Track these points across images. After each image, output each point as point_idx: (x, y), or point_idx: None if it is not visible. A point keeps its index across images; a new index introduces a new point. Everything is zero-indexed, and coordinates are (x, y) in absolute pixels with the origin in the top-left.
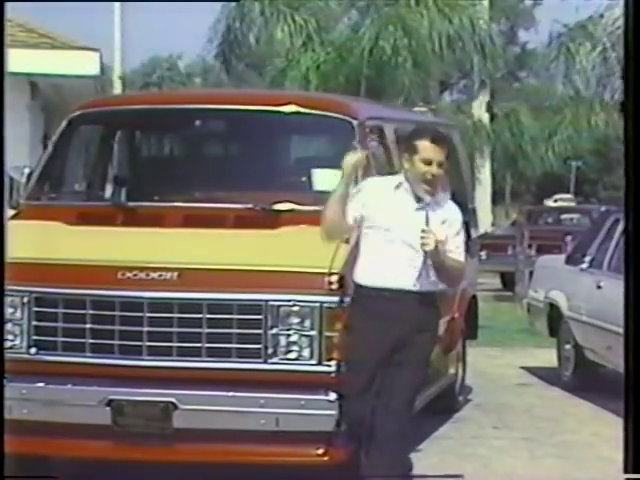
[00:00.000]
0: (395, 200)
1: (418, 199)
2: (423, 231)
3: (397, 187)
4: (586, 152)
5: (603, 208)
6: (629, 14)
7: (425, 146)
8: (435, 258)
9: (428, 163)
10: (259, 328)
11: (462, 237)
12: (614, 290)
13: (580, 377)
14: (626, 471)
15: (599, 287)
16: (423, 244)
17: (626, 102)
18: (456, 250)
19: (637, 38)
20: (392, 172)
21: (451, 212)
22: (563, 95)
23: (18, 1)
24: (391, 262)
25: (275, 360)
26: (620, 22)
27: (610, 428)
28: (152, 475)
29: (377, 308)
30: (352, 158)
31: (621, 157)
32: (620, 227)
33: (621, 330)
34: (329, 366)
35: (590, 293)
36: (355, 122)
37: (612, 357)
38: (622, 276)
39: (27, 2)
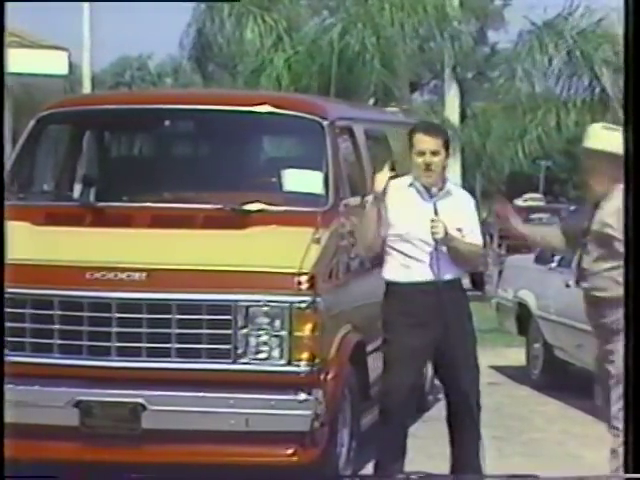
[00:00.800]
0: (409, 199)
1: (427, 193)
2: (432, 221)
3: (410, 186)
4: (556, 152)
5: (572, 207)
6: (629, 14)
7: (418, 138)
8: (449, 245)
9: (422, 154)
10: (229, 328)
11: (475, 219)
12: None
13: (549, 376)
14: (626, 471)
15: (568, 286)
16: (433, 233)
17: (626, 102)
18: (471, 233)
19: (637, 38)
20: (362, 172)
21: (460, 197)
22: (533, 95)
23: (18, 1)
24: (414, 258)
25: (245, 360)
26: (588, 20)
27: (579, 426)
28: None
29: (409, 301)
30: (383, 176)
31: None
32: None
33: (590, 328)
34: (299, 366)
35: (559, 292)
36: (325, 122)
37: (581, 355)
38: None
39: (22, 2)
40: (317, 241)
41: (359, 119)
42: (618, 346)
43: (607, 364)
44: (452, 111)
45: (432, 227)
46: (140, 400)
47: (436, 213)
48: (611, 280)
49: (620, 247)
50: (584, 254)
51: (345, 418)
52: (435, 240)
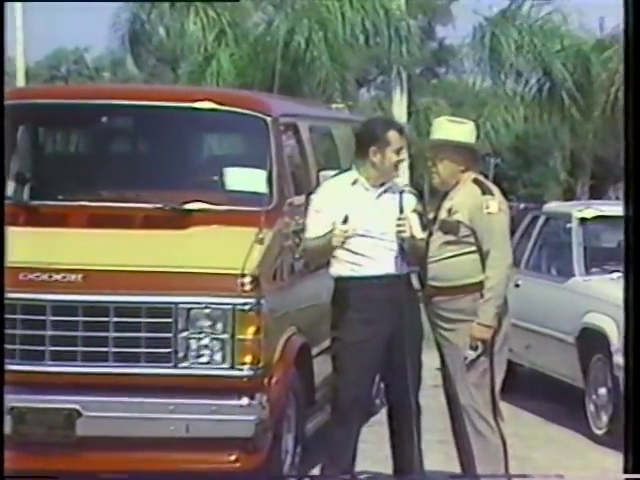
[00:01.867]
0: (355, 197)
1: (375, 189)
2: (398, 219)
3: (354, 184)
4: (504, 149)
5: (522, 205)
6: (629, 14)
7: (395, 137)
8: (412, 242)
9: (398, 152)
10: (169, 332)
11: (418, 214)
12: (532, 288)
13: None
14: (626, 471)
15: (517, 285)
16: (399, 232)
17: (626, 102)
18: (418, 229)
19: (637, 37)
20: (307, 170)
21: (407, 193)
22: (481, 91)
23: (18, 1)
24: (364, 255)
25: (186, 365)
26: (537, 14)
27: (527, 428)
28: None
29: (360, 297)
30: (340, 235)
31: (540, 153)
32: (539, 224)
33: (540, 329)
34: (242, 370)
35: (508, 292)
36: (269, 119)
37: (530, 356)
38: (540, 274)
39: (22, 2)
40: (260, 241)
41: (304, 116)
42: (457, 338)
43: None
44: (399, 108)
45: (398, 225)
46: (75, 406)
47: (402, 210)
48: (453, 268)
49: (467, 234)
50: (427, 244)
51: (290, 423)
52: (401, 239)
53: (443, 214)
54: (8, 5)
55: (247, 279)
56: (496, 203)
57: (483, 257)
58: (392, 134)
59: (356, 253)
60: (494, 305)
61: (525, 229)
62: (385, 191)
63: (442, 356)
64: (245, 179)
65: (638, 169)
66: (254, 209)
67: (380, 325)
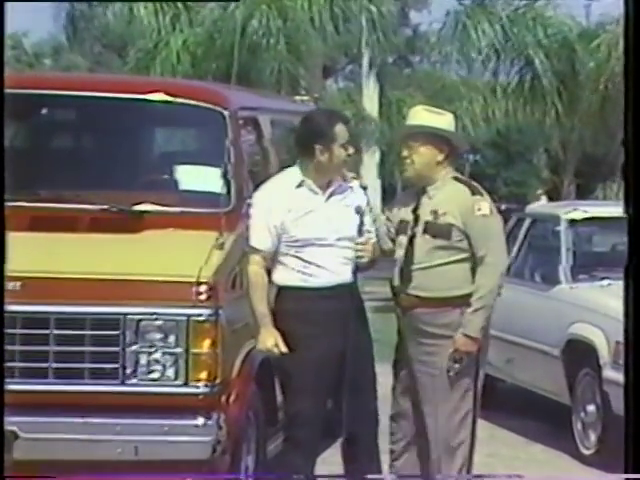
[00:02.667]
0: (302, 201)
1: (323, 191)
2: (357, 244)
3: (299, 186)
4: (483, 145)
5: (503, 206)
6: (629, 14)
7: (342, 130)
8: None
9: (346, 147)
10: (116, 345)
11: (370, 216)
12: (514, 297)
13: None
14: (626, 471)
15: (498, 293)
16: (359, 257)
17: (626, 102)
18: (386, 240)
19: (637, 37)
20: (268, 169)
21: (360, 192)
22: (458, 82)
23: (18, 1)
24: (313, 263)
25: (134, 381)
26: (519, 1)
27: (508, 448)
28: None
29: (313, 309)
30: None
31: (522, 150)
32: (523, 228)
33: (522, 341)
34: (197, 387)
35: None
36: (226, 112)
37: (512, 371)
38: (523, 281)
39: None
40: (219, 246)
41: (265, 109)
42: (439, 356)
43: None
44: (370, 100)
45: (357, 250)
46: (12, 428)
47: (360, 232)
48: (442, 277)
49: (460, 239)
50: (409, 249)
51: (249, 445)
52: (361, 258)
53: (427, 216)
54: None
55: (203, 287)
56: (488, 204)
57: (476, 264)
58: (339, 128)
59: (308, 262)
60: (483, 316)
61: (509, 232)
62: (333, 192)
63: (412, 374)
64: (200, 178)
65: (638, 172)
66: (212, 211)
67: (333, 339)
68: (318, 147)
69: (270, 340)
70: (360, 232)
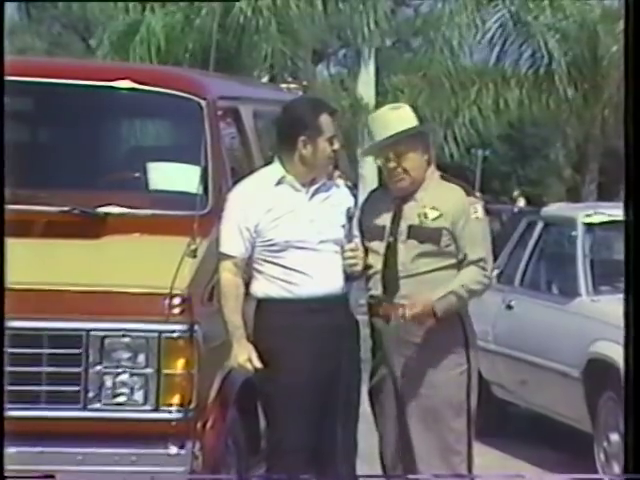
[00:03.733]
0: (285, 201)
1: (306, 188)
2: (348, 250)
3: (279, 183)
4: (495, 138)
5: (515, 208)
6: (629, 15)
7: (328, 122)
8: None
9: (332, 141)
10: (77, 365)
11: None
12: (528, 311)
13: (485, 419)
14: (626, 471)
15: (509, 307)
16: (351, 265)
17: (626, 102)
18: (355, 238)
19: (637, 38)
20: (251, 165)
21: (347, 193)
22: (466, 68)
23: (18, 1)
24: (308, 269)
25: (98, 406)
26: None
27: None
28: None
29: (298, 325)
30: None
31: (537, 144)
32: (536, 232)
33: (537, 360)
34: (169, 412)
35: (498, 315)
36: (203, 102)
37: (527, 394)
38: (538, 293)
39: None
40: (193, 254)
41: (248, 99)
42: (430, 371)
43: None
44: (367, 87)
45: (348, 258)
46: None
47: (348, 237)
48: (432, 285)
49: (449, 243)
50: (390, 256)
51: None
52: (353, 267)
53: (413, 219)
54: None
55: (177, 300)
56: (481, 206)
57: (461, 266)
58: (324, 119)
59: (290, 268)
60: (453, 303)
61: (520, 238)
62: (318, 190)
63: (397, 394)
64: (174, 176)
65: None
66: (185, 213)
67: (321, 360)
68: (301, 139)
69: (242, 355)
70: (348, 237)
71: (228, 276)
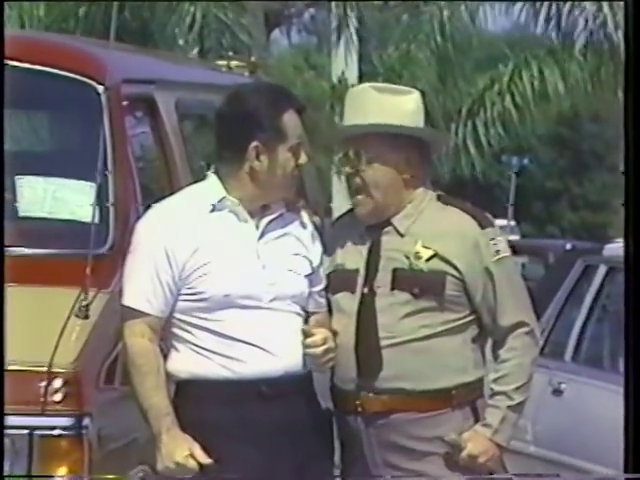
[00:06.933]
0: (222, 236)
1: (255, 219)
2: (305, 332)
3: (215, 209)
4: (537, 141)
5: (567, 245)
6: (629, 14)
7: (293, 123)
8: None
9: (297, 150)
10: None
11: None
12: (586, 398)
13: None
14: (626, 471)
15: (557, 392)
16: (307, 346)
17: (626, 102)
18: (320, 297)
19: (637, 38)
20: (172, 179)
21: (312, 231)
22: (495, 38)
23: (18, 1)
24: (256, 338)
25: None
26: None
27: None
28: None
29: (252, 416)
30: None
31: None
32: (597, 280)
33: (600, 469)
34: None
35: (541, 403)
36: (101, 87)
37: None
38: (600, 372)
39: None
40: (84, 313)
41: (168, 82)
42: None
43: None
44: (345, 65)
45: (307, 343)
46: None
47: (312, 298)
48: (430, 358)
49: (456, 294)
50: (366, 314)
51: None
52: (316, 361)
53: (399, 261)
54: None
55: (57, 383)
56: (504, 239)
57: (485, 332)
58: (288, 119)
59: (229, 337)
60: (518, 417)
61: (573, 288)
62: (273, 222)
63: None
64: (56, 197)
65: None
66: (73, 252)
67: (274, 469)
68: (253, 145)
69: (180, 450)
70: (310, 298)
71: (141, 342)
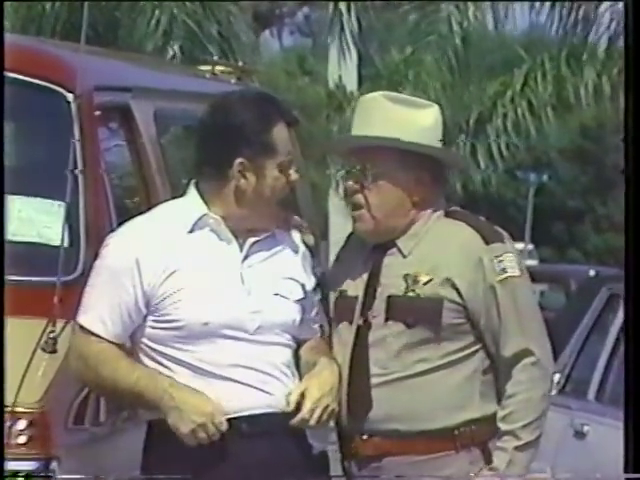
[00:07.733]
0: (200, 259)
1: (239, 239)
2: (289, 395)
3: (195, 228)
4: (556, 154)
5: (592, 271)
6: (629, 14)
7: (284, 137)
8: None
9: (287, 167)
10: None
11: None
12: (612, 441)
13: None
14: (626, 471)
15: (580, 434)
16: (289, 402)
17: (626, 101)
18: (313, 324)
19: (637, 38)
20: (150, 195)
21: (304, 253)
22: (508, 39)
23: (18, 1)
24: (237, 373)
25: None
26: None
27: None
28: None
29: (234, 458)
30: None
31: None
32: (621, 312)
33: None
34: None
35: (562, 445)
36: (71, 95)
37: None
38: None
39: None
40: (52, 346)
41: (145, 90)
42: None
43: None
44: (343, 69)
45: (289, 403)
46: None
47: (303, 327)
48: (429, 394)
49: (459, 322)
50: (359, 346)
51: None
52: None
53: (395, 286)
54: None
55: (21, 424)
56: (515, 258)
57: (495, 365)
58: (278, 132)
59: (207, 372)
60: (530, 451)
61: (596, 319)
62: (258, 244)
63: None
64: (20, 218)
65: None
66: (40, 280)
67: None
68: (238, 161)
69: (204, 405)
70: (303, 325)
71: (96, 345)
